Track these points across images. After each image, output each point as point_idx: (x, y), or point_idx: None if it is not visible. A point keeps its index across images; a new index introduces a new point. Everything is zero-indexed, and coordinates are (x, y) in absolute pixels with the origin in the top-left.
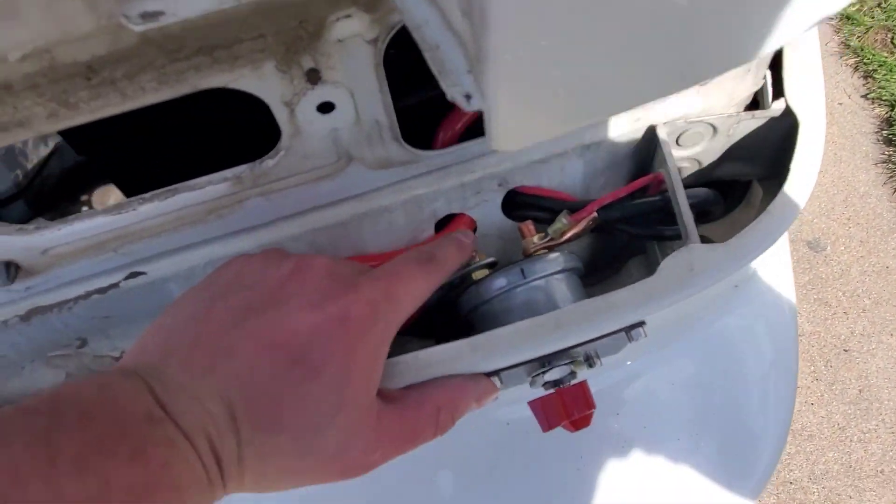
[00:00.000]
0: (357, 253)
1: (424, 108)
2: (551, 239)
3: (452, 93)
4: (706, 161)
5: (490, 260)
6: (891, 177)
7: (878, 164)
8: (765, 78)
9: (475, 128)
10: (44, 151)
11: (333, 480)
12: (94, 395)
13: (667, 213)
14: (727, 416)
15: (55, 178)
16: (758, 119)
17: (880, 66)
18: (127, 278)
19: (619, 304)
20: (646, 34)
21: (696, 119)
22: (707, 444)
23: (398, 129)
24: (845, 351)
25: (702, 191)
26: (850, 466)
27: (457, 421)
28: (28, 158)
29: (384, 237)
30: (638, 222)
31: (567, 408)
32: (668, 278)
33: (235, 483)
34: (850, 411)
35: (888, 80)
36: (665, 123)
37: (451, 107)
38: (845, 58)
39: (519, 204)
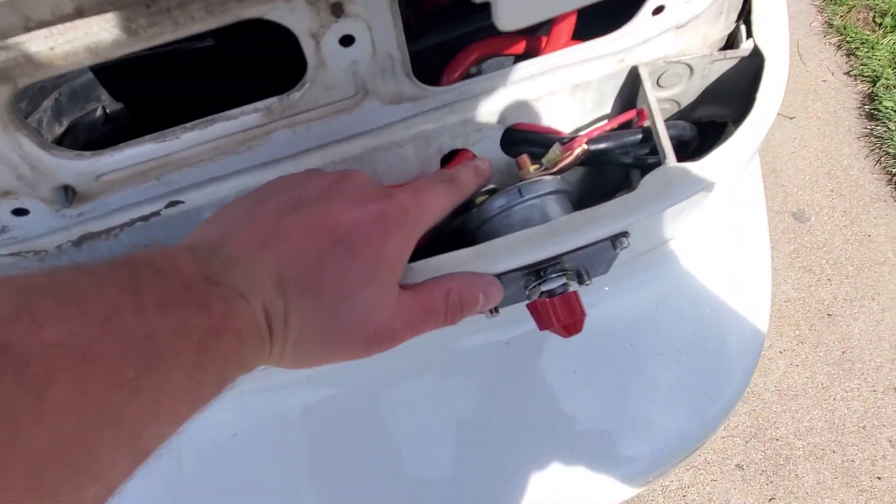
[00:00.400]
0: None
1: (434, 53)
2: (545, 169)
3: None
4: (685, 102)
5: (491, 187)
6: (872, 150)
7: (861, 138)
8: (736, 22)
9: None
10: (58, 130)
11: (362, 353)
12: (161, 260)
13: (649, 144)
14: (706, 332)
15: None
16: (729, 59)
17: (862, 43)
18: (167, 206)
19: (604, 215)
20: None
21: (675, 59)
22: (686, 358)
23: (409, 65)
24: (829, 315)
25: (679, 122)
26: (834, 423)
27: (466, 311)
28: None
29: (396, 170)
30: (624, 153)
31: (559, 311)
32: (648, 192)
33: (280, 345)
34: (833, 372)
35: (870, 58)
36: (646, 64)
37: (455, 51)
38: (829, 36)
39: (516, 140)
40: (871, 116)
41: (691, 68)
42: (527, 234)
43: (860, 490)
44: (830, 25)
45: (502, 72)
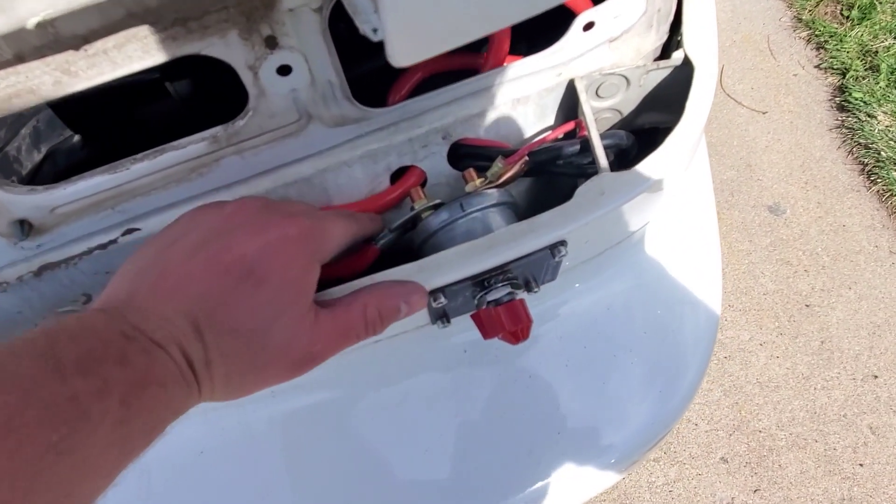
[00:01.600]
0: (324, 205)
1: (377, 76)
2: (490, 182)
3: (364, 28)
4: (626, 111)
5: (437, 202)
6: (844, 141)
7: (833, 130)
8: (668, 32)
9: (419, 90)
10: (37, 157)
11: (287, 376)
12: (76, 325)
13: (589, 153)
14: (657, 335)
15: (49, 182)
16: (662, 69)
17: (831, 36)
18: (124, 234)
19: (541, 225)
20: None
21: (610, 71)
22: (639, 358)
23: (348, 89)
24: (807, 306)
25: (617, 132)
26: (815, 412)
27: (387, 321)
28: (23, 165)
29: (346, 189)
30: (565, 163)
31: (504, 320)
32: (583, 201)
33: (208, 385)
34: (813, 361)
35: (839, 50)
36: (582, 77)
37: (399, 73)
38: (798, 31)
39: (462, 155)
40: (841, 108)
41: (627, 79)
42: (467, 248)
43: (843, 477)
44: (799, 20)
45: (444, 90)
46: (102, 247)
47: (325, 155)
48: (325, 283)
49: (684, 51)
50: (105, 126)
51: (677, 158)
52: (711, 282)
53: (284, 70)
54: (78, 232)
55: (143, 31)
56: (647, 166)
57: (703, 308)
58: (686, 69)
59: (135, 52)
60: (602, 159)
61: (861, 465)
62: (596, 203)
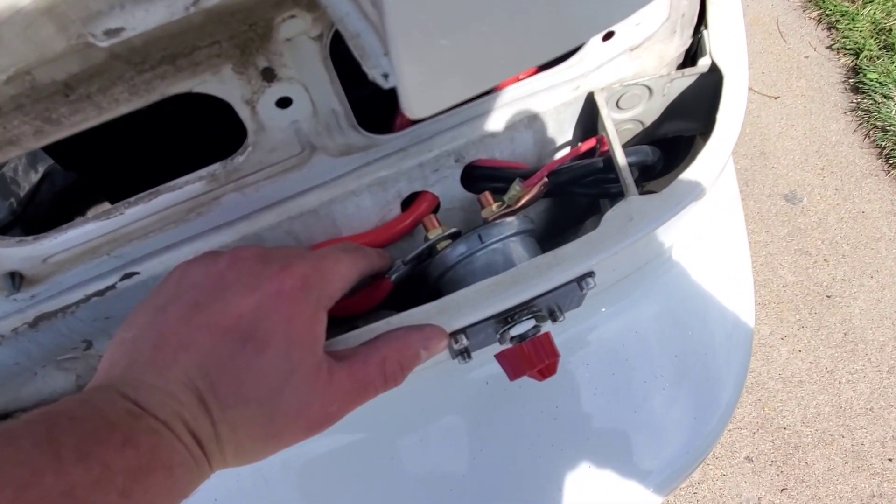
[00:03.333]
0: (331, 237)
1: (382, 97)
2: (508, 206)
3: (373, 74)
4: (648, 121)
5: (453, 230)
6: (860, 124)
7: (848, 113)
8: (693, 37)
9: None
10: (34, 178)
11: (303, 438)
12: (77, 406)
13: (612, 171)
14: (689, 357)
15: (48, 202)
16: (688, 77)
17: (842, 15)
18: (122, 279)
19: (567, 258)
20: (518, 7)
21: (631, 82)
22: (671, 384)
23: (353, 117)
24: (828, 297)
25: (641, 148)
26: (841, 407)
27: (407, 370)
28: (20, 186)
29: (355, 220)
30: (586, 183)
31: (530, 357)
32: (610, 229)
33: (219, 458)
34: (836, 354)
35: (851, 30)
36: (602, 89)
37: None
38: (808, 11)
39: (476, 177)
40: (856, 90)
41: (650, 89)
42: (488, 285)
43: (872, 473)
44: (809, 0)
45: (454, 111)
46: (100, 293)
47: (331, 185)
48: (336, 321)
49: (711, 57)
50: (99, 163)
51: (710, 175)
52: (743, 294)
53: (284, 102)
54: (73, 280)
55: (130, 73)
56: (679, 186)
57: (736, 322)
58: (713, 75)
59: (121, 95)
60: (629, 180)
61: (890, 459)
62: (624, 231)
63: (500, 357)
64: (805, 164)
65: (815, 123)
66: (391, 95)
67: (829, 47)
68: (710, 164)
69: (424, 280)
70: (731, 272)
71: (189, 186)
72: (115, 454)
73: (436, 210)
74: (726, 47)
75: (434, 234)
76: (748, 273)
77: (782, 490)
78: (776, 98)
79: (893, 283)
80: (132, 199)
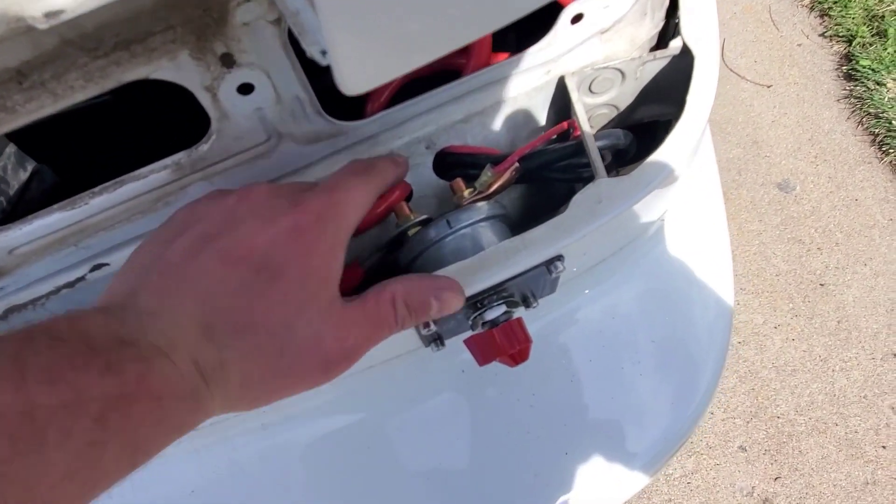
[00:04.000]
0: None
1: None
2: (479, 192)
3: (311, 51)
4: (623, 105)
5: (424, 217)
6: (853, 111)
7: (841, 100)
8: (664, 19)
9: (399, 97)
10: (24, 176)
11: (320, 377)
12: (64, 325)
13: (584, 155)
14: (667, 342)
15: (37, 200)
16: (660, 59)
17: (835, 2)
18: (92, 270)
19: (534, 241)
20: None
21: (602, 66)
22: (649, 369)
23: (318, 104)
24: (821, 285)
25: (613, 131)
26: (834, 395)
27: (416, 315)
28: (9, 185)
29: None
30: (560, 168)
31: (500, 342)
32: (578, 212)
33: (223, 391)
34: (830, 342)
35: (843, 17)
36: (573, 73)
37: None
38: None
39: (448, 164)
40: (849, 77)
41: (622, 72)
42: (455, 270)
43: (866, 461)
44: None
45: (424, 97)
46: (70, 285)
47: (301, 174)
48: None
49: (682, 38)
50: (69, 154)
51: (680, 158)
52: (722, 276)
53: (246, 89)
54: (42, 272)
55: (83, 59)
56: (648, 168)
57: (715, 303)
58: (686, 57)
59: (76, 82)
60: (598, 163)
61: (884, 447)
62: (592, 213)
63: (468, 342)
64: (798, 152)
65: (808, 111)
66: None
67: (822, 35)
68: (679, 147)
69: (396, 268)
70: (710, 254)
71: (154, 176)
72: (91, 379)
73: (409, 198)
74: (698, 28)
75: (404, 220)
76: (727, 255)
77: (776, 479)
78: (769, 87)
79: (887, 271)
80: (97, 189)
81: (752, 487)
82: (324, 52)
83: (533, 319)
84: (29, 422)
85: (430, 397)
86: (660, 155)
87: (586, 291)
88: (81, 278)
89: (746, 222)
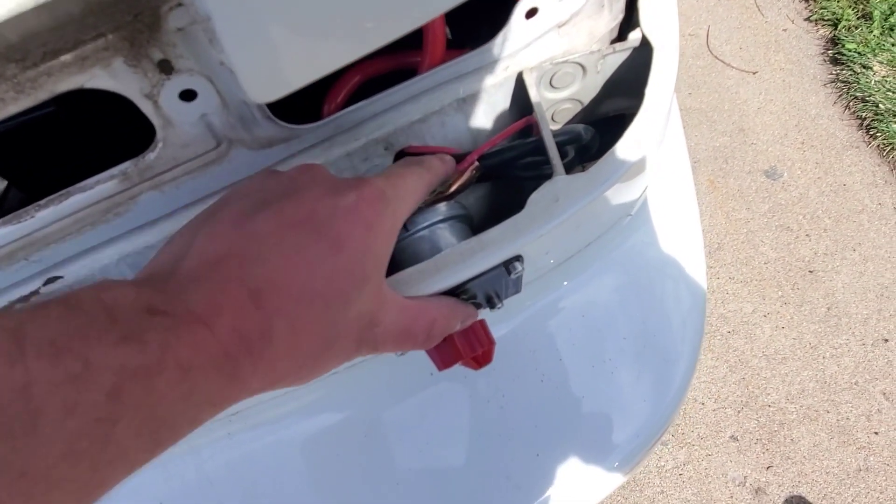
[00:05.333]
0: None
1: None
2: (440, 193)
3: (220, 58)
4: (587, 100)
5: None
6: (840, 96)
7: (827, 85)
8: (623, 11)
9: (358, 98)
10: (1, 186)
11: (353, 353)
12: (88, 295)
13: (545, 152)
14: (638, 337)
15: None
16: (619, 52)
17: None
18: (45, 284)
19: (491, 242)
20: None
21: (562, 60)
22: (620, 367)
23: (267, 108)
24: (810, 272)
25: (574, 127)
26: (825, 382)
27: (440, 338)
28: None
29: None
30: (522, 166)
31: (461, 346)
32: (536, 210)
33: (266, 363)
34: (820, 329)
35: (829, 0)
36: (532, 69)
37: (332, 80)
38: None
39: None
40: (835, 61)
41: (582, 66)
42: (410, 273)
43: (858, 447)
44: None
45: (378, 97)
46: (24, 299)
47: None
48: None
49: (641, 30)
50: (22, 167)
51: (639, 151)
52: (695, 266)
53: (188, 95)
54: None
55: (11, 70)
56: (606, 164)
57: (689, 294)
58: (646, 49)
59: (6, 94)
60: (556, 159)
61: (876, 433)
62: (550, 212)
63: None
64: (785, 138)
65: (795, 97)
66: (317, 85)
67: (807, 19)
68: (638, 140)
69: None
70: (683, 244)
71: (100, 186)
72: (105, 350)
73: None
74: (657, 19)
75: None
76: (700, 244)
77: (768, 468)
78: (754, 73)
79: (876, 256)
80: (42, 202)
81: (745, 477)
82: (221, 63)
83: (501, 320)
84: (23, 399)
85: (397, 402)
86: (618, 149)
87: (565, 283)
88: (35, 292)
89: (734, 210)
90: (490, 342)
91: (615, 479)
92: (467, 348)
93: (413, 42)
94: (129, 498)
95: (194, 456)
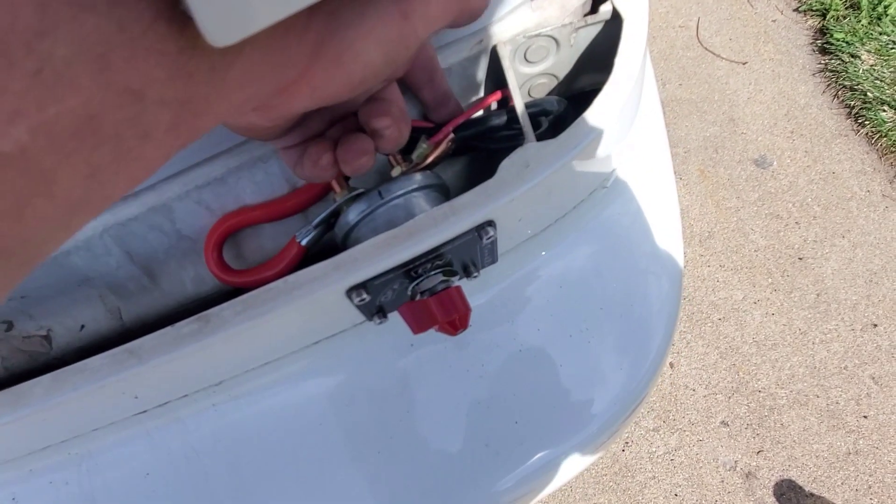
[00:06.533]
0: (242, 205)
1: None
2: (416, 165)
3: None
4: (562, 74)
5: (358, 191)
6: (829, 85)
7: (816, 74)
8: None
9: None
10: None
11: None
12: None
13: (518, 126)
14: (615, 307)
15: None
16: (591, 25)
17: None
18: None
19: (463, 206)
20: None
21: (535, 33)
22: (596, 336)
23: None
24: (800, 259)
25: (546, 98)
26: (815, 367)
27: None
28: None
29: (265, 187)
30: (498, 138)
31: (435, 310)
32: (507, 176)
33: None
34: (809, 316)
35: None
36: (505, 42)
37: None
38: None
39: None
40: (823, 51)
41: (555, 39)
42: (384, 238)
43: (847, 431)
44: None
45: None
46: None
47: (237, 152)
48: (245, 291)
49: (612, 2)
50: None
51: (607, 120)
52: (670, 236)
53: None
54: None
55: None
56: (575, 131)
57: (664, 262)
58: (617, 22)
59: None
60: (528, 129)
61: (865, 416)
62: (520, 177)
63: (402, 310)
64: (774, 128)
65: (784, 87)
66: None
67: (796, 10)
68: (605, 108)
69: (335, 244)
70: (659, 215)
71: None
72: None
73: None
74: None
75: (340, 196)
76: (676, 216)
77: (758, 452)
78: (744, 64)
79: (865, 242)
80: None
81: (735, 462)
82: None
83: (479, 289)
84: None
85: (378, 371)
86: (586, 118)
87: (543, 253)
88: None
89: (724, 199)
90: (466, 308)
91: (593, 448)
92: (442, 312)
93: None
94: (116, 468)
95: (180, 426)
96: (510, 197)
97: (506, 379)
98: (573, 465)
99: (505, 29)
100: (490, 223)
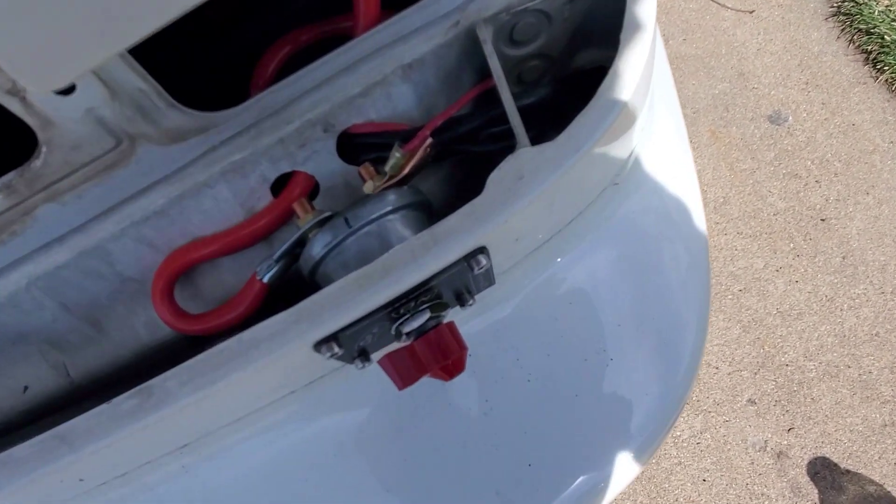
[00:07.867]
0: (191, 238)
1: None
2: (391, 177)
3: None
4: (556, 53)
5: (325, 214)
6: (843, 30)
7: (829, 19)
8: None
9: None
10: None
11: None
12: None
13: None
14: (634, 321)
15: None
16: None
17: None
18: None
19: (447, 233)
20: None
21: (521, 8)
22: (617, 356)
23: (167, 94)
24: (822, 220)
25: (540, 90)
26: (844, 336)
27: None
28: None
29: (216, 215)
30: (484, 139)
31: (423, 357)
32: (497, 192)
33: None
34: (836, 280)
35: None
36: (486, 21)
37: (257, 57)
38: None
39: (356, 147)
40: None
41: (546, 14)
42: (354, 279)
43: (882, 402)
44: None
45: (306, 70)
46: None
47: (176, 179)
48: (205, 339)
49: None
50: None
51: (617, 107)
52: (694, 227)
53: (65, 89)
54: None
55: None
56: (577, 130)
57: (688, 256)
58: None
59: None
60: (519, 128)
61: None
62: (513, 192)
63: (382, 363)
64: (788, 80)
65: (795, 35)
66: (241, 65)
67: None
68: (615, 92)
69: (301, 279)
70: (679, 210)
71: None
72: None
73: (314, 192)
74: None
75: (304, 221)
76: (699, 208)
77: (789, 430)
78: (751, 12)
79: (891, 198)
80: None
81: (765, 441)
82: None
83: (469, 319)
84: None
85: (368, 415)
86: (592, 110)
87: (547, 270)
88: None
89: (738, 161)
90: (461, 347)
91: (616, 490)
92: (433, 358)
93: (345, 6)
94: None
95: (149, 494)
96: (503, 218)
97: (514, 415)
98: (614, 487)
99: (484, 5)
100: (481, 250)
